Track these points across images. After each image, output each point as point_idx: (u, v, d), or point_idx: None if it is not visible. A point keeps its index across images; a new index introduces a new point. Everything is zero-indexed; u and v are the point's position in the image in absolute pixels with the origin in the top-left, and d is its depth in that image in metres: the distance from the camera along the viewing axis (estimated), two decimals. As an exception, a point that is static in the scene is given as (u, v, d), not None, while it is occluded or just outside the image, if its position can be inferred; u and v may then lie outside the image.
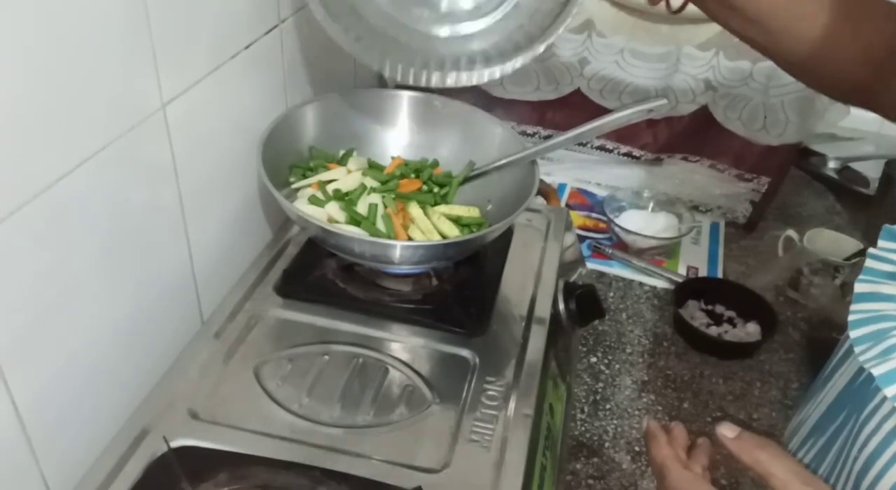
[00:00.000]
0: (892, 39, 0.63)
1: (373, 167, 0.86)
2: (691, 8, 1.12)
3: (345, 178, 0.81)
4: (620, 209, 1.20)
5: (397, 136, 0.90)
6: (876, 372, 0.48)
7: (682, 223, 1.18)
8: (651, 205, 1.21)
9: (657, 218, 1.19)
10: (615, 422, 0.89)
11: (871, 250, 0.52)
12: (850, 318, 0.51)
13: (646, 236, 1.14)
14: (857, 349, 0.50)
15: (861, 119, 1.43)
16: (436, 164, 0.88)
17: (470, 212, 0.83)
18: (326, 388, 0.67)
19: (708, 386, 0.95)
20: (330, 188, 0.80)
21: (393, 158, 0.89)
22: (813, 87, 0.76)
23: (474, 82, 0.75)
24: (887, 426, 0.48)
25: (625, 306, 1.07)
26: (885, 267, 0.51)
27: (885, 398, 0.48)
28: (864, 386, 0.51)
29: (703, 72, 1.13)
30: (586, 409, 0.90)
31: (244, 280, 0.78)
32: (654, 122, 1.21)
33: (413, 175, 0.85)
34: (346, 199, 0.79)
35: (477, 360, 0.71)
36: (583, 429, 0.88)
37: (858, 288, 0.52)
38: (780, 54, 0.71)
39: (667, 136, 1.22)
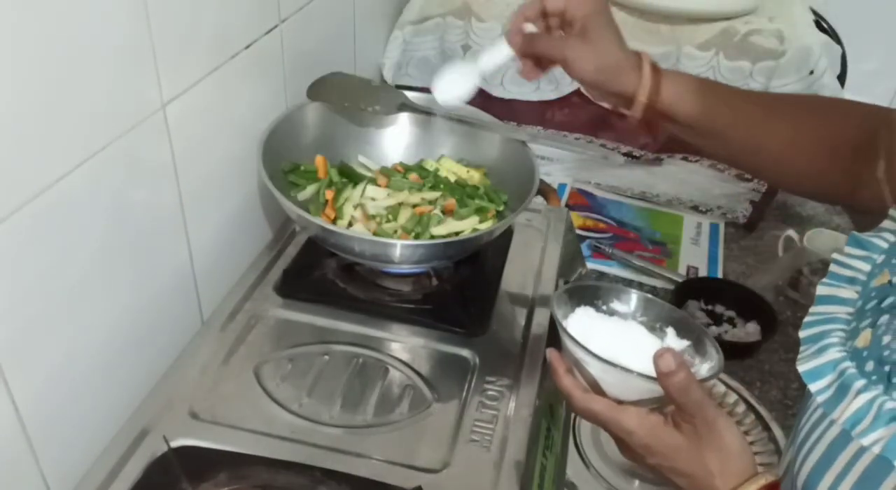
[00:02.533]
0: (857, 134, 0.64)
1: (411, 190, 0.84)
2: (691, 8, 1.12)
3: (384, 198, 0.82)
4: (573, 302, 0.63)
5: (397, 135, 0.90)
6: (801, 368, 0.48)
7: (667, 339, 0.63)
8: (634, 305, 0.65)
9: (630, 334, 0.62)
10: (615, 422, 0.89)
11: (835, 255, 0.52)
12: (805, 319, 0.51)
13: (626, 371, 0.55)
14: (801, 349, 0.50)
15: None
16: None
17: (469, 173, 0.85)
18: (326, 388, 0.67)
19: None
20: (371, 206, 0.80)
21: (393, 165, 0.89)
22: (797, 192, 0.79)
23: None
24: (826, 439, 0.47)
25: (625, 306, 1.07)
26: (846, 272, 0.51)
27: (820, 410, 0.47)
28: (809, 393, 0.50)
29: (703, 72, 1.13)
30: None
31: (244, 280, 0.78)
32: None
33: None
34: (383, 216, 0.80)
35: (477, 360, 0.71)
36: (583, 429, 0.88)
37: (819, 291, 0.52)
38: (752, 161, 0.71)
39: (667, 137, 1.22)
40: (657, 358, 0.52)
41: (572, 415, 0.88)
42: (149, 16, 0.57)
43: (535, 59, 0.71)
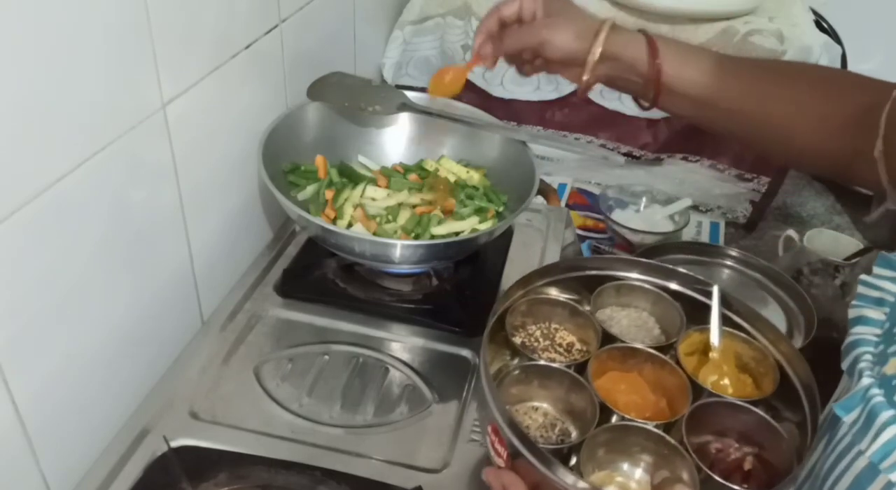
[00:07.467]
0: (856, 110, 0.62)
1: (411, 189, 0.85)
2: (691, 8, 1.12)
3: (384, 198, 0.82)
4: (609, 209, 1.17)
5: (397, 135, 0.90)
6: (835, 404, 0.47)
7: (677, 215, 1.17)
8: (643, 201, 1.20)
9: (651, 213, 1.18)
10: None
11: (862, 277, 0.52)
12: (845, 342, 0.51)
13: (645, 232, 1.13)
14: (841, 383, 0.49)
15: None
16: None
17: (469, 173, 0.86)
18: (326, 388, 0.67)
19: (708, 386, 0.95)
20: (371, 206, 0.81)
21: (393, 165, 0.89)
22: (796, 167, 0.75)
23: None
24: (853, 470, 0.46)
25: (625, 306, 1.07)
26: (874, 293, 0.51)
27: (847, 439, 0.46)
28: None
29: (703, 72, 1.13)
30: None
31: (244, 280, 0.78)
32: (654, 122, 1.21)
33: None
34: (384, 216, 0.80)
35: (477, 360, 0.71)
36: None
37: (850, 313, 0.51)
38: (756, 137, 0.70)
39: (667, 136, 1.22)
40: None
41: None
42: (149, 16, 0.57)
43: (520, 59, 0.71)
